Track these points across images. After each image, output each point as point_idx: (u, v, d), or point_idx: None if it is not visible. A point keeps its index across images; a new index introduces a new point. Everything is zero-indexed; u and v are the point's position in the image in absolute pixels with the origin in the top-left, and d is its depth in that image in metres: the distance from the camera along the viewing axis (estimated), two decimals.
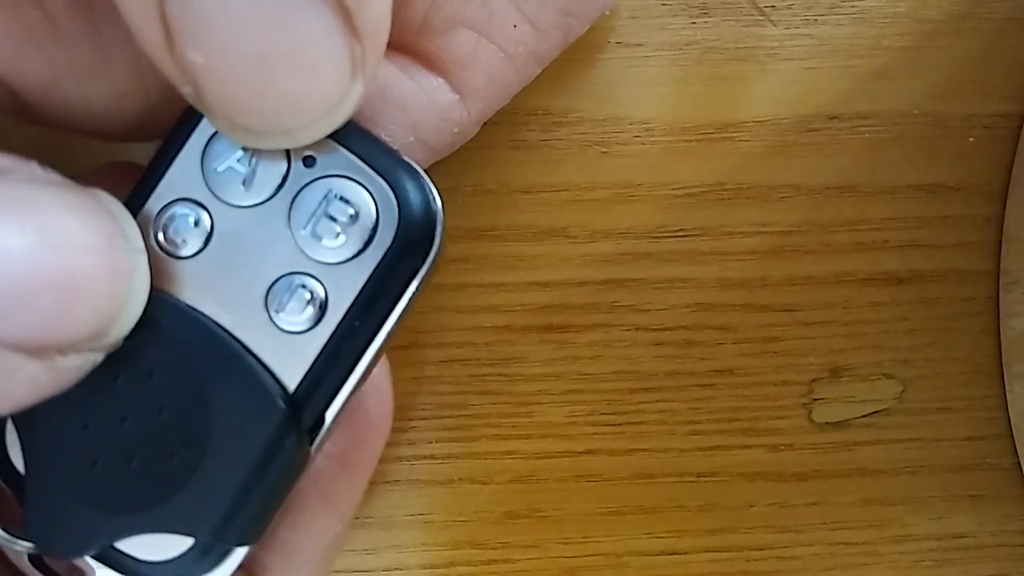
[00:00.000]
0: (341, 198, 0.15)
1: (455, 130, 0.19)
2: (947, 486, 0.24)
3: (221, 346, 0.14)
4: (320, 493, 0.18)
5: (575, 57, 0.22)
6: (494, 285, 0.23)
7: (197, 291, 0.14)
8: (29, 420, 0.15)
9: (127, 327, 0.13)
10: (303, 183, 0.15)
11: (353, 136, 0.15)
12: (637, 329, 0.23)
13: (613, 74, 0.23)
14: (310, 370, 0.15)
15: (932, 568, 0.24)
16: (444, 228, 0.15)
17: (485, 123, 0.20)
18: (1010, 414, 0.24)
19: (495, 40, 0.18)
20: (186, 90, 0.12)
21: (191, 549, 0.15)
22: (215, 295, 0.15)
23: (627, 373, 0.23)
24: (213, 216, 0.15)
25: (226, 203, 0.15)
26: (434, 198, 0.15)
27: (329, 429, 0.15)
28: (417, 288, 0.15)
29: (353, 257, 0.15)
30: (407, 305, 0.15)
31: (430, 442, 0.23)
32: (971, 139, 0.23)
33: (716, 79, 0.23)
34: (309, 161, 0.15)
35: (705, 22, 0.23)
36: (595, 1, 0.20)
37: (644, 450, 0.23)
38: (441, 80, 0.18)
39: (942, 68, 0.23)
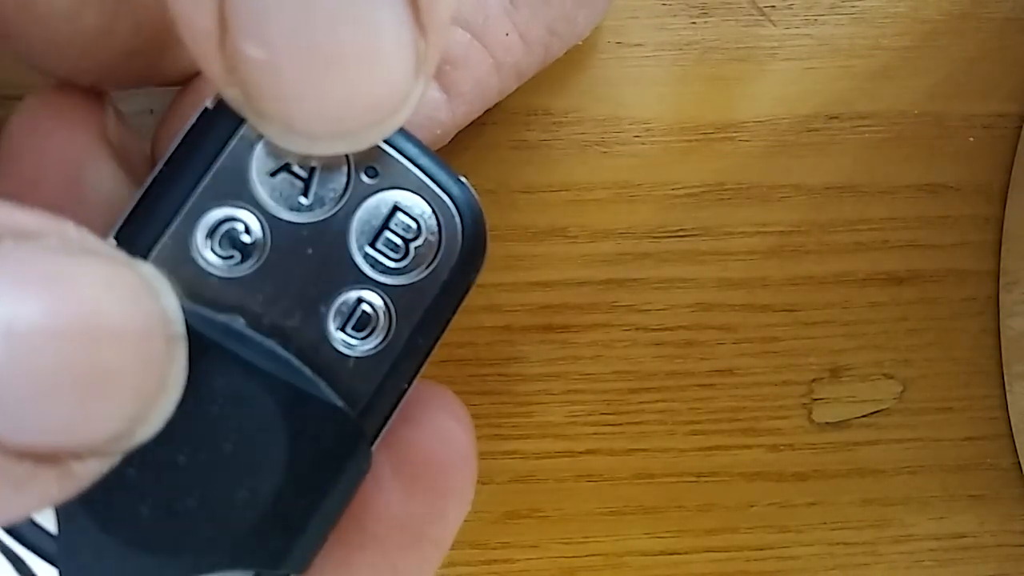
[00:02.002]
0: (406, 212, 0.14)
1: (438, 131, 0.18)
2: (947, 486, 0.24)
3: (285, 369, 0.13)
4: (391, 568, 0.16)
5: (575, 57, 0.22)
6: (494, 285, 0.23)
7: (254, 312, 0.13)
8: (72, 507, 0.13)
9: (156, 427, 0.11)
10: (365, 195, 0.14)
11: (406, 144, 0.14)
12: (637, 329, 0.23)
13: (613, 74, 0.23)
14: (376, 391, 0.14)
15: (932, 568, 0.24)
16: None
17: (485, 123, 0.20)
18: (1010, 414, 0.24)
19: (487, 45, 0.18)
20: (231, 92, 0.11)
21: None
22: (275, 316, 0.13)
23: (627, 373, 0.23)
24: (268, 230, 0.13)
25: (282, 215, 0.13)
26: (481, 210, 0.14)
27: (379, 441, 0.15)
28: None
29: (418, 274, 0.14)
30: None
31: None
32: (971, 139, 0.23)
33: (716, 79, 0.23)
34: (371, 172, 0.14)
35: (705, 22, 0.23)
36: (577, 25, 0.20)
37: (644, 450, 0.23)
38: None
39: (942, 68, 0.23)
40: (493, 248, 0.23)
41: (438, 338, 0.15)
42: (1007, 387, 0.24)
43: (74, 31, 0.13)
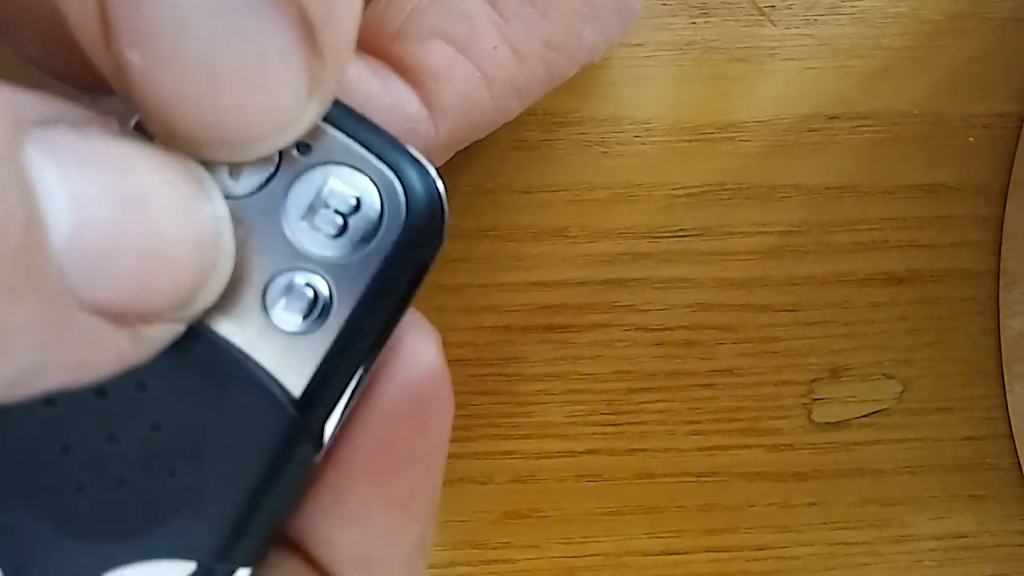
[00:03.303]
0: (341, 187, 0.13)
1: (419, 145, 0.18)
2: (947, 486, 0.24)
3: (219, 354, 0.13)
4: (385, 498, 0.16)
5: None
6: (494, 285, 0.23)
7: None
8: None
9: (213, 297, 0.12)
10: (298, 171, 0.13)
11: (349, 121, 0.13)
12: (637, 329, 0.23)
13: (613, 74, 0.23)
14: (317, 372, 0.14)
15: (932, 568, 0.24)
16: (449, 215, 0.14)
17: None
18: (1010, 414, 0.24)
19: (472, 58, 0.18)
20: (118, 87, 0.11)
21: (192, 575, 0.14)
22: None
23: (627, 373, 0.23)
24: None
25: None
26: (438, 184, 0.14)
27: (334, 435, 0.15)
28: (424, 279, 0.14)
29: (357, 250, 0.13)
30: (415, 296, 0.14)
31: None
32: (971, 139, 0.23)
33: (716, 79, 0.23)
34: (303, 148, 0.13)
35: (705, 22, 0.23)
36: (584, 41, 0.19)
37: (644, 450, 0.23)
38: (410, 90, 0.17)
39: (942, 68, 0.23)
40: (493, 248, 0.23)
41: (390, 318, 0.14)
42: (1007, 387, 0.24)
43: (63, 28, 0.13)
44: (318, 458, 0.14)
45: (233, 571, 0.14)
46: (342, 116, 0.13)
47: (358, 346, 0.14)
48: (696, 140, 0.23)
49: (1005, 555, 0.24)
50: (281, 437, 0.13)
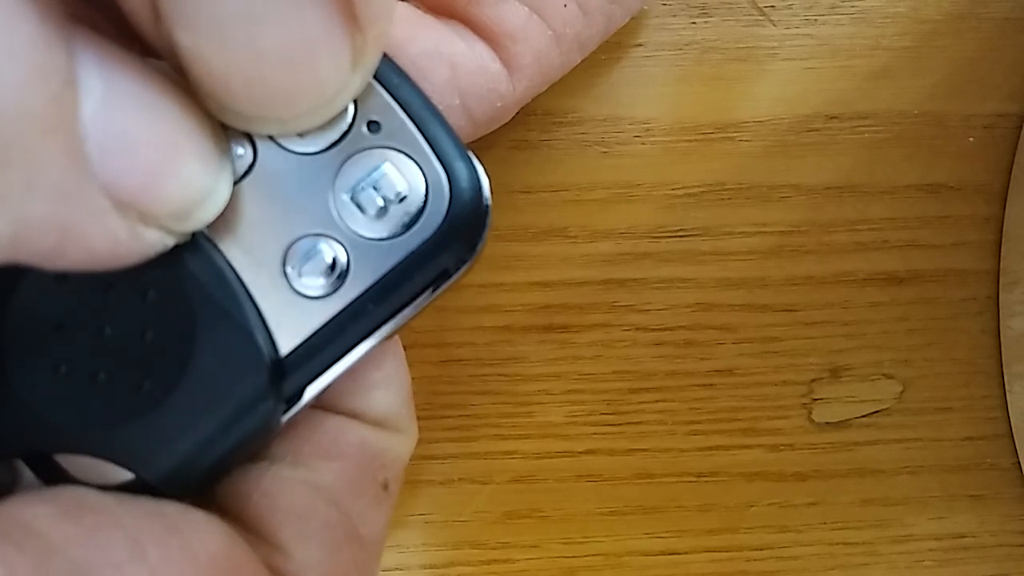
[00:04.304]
0: (394, 173, 0.14)
1: (499, 104, 0.18)
2: (947, 486, 0.24)
3: (225, 287, 0.13)
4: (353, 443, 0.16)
5: None
6: (494, 285, 0.23)
7: (218, 223, 0.13)
8: (2, 301, 0.13)
9: (208, 217, 0.13)
10: (360, 147, 0.14)
11: (420, 109, 0.14)
12: (637, 329, 0.23)
13: (613, 74, 0.23)
14: (308, 339, 0.14)
15: (932, 568, 0.24)
16: (488, 232, 0.14)
17: None
18: (1010, 414, 0.24)
19: (545, 17, 0.18)
20: (173, 65, 0.12)
21: (127, 484, 0.14)
22: (236, 233, 0.14)
23: (627, 373, 0.23)
24: (257, 150, 0.14)
25: (274, 141, 0.14)
26: (486, 201, 0.14)
27: (305, 406, 0.15)
28: (443, 289, 0.14)
29: (388, 237, 0.14)
30: (427, 302, 0.14)
31: (430, 442, 0.23)
32: (971, 139, 0.23)
33: (716, 79, 0.23)
34: (373, 126, 0.14)
35: (705, 22, 0.23)
36: None
37: (644, 450, 0.23)
38: (491, 50, 0.18)
39: (942, 68, 0.23)
40: (493, 248, 0.23)
41: (396, 311, 0.14)
42: (1007, 387, 0.24)
43: None
44: (284, 419, 0.14)
45: (165, 494, 0.14)
46: (418, 105, 0.14)
47: (357, 327, 0.14)
48: (696, 140, 0.23)
49: (1005, 555, 0.24)
50: (252, 387, 0.14)
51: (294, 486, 0.15)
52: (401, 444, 0.17)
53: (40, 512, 0.12)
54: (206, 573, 0.13)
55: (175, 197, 0.12)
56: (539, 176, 0.23)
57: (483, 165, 0.14)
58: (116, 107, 0.11)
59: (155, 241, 0.12)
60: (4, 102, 0.10)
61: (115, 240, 0.12)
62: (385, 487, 0.16)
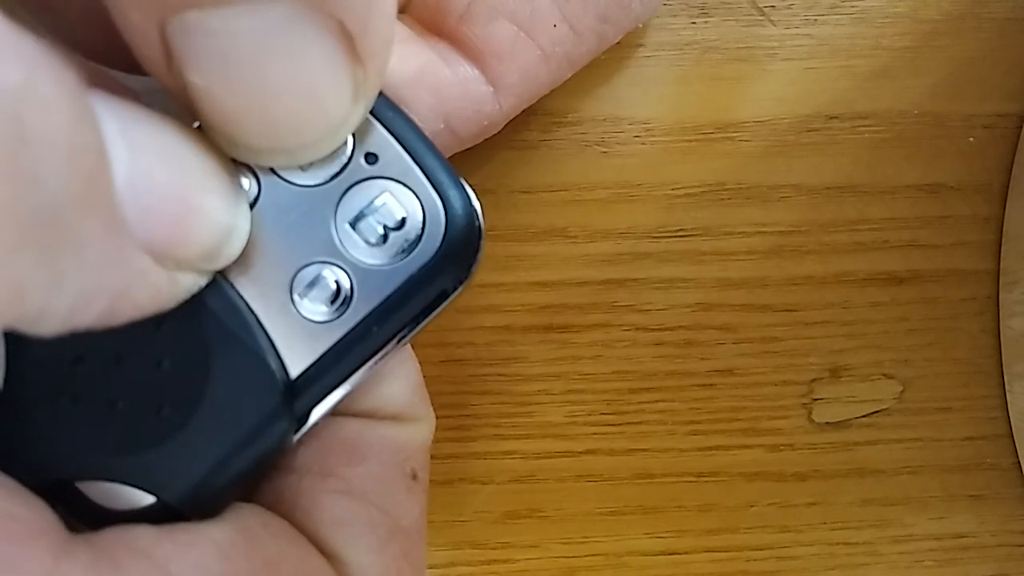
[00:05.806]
0: (393, 202, 0.15)
1: (485, 122, 0.19)
2: (947, 486, 0.24)
3: (236, 315, 0.14)
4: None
5: None
6: (494, 285, 0.23)
7: None
8: (22, 337, 0.14)
9: (235, 252, 0.14)
10: (359, 178, 0.15)
11: (414, 140, 0.15)
12: (637, 329, 0.23)
13: (613, 74, 0.23)
14: (317, 361, 0.15)
15: (932, 568, 0.24)
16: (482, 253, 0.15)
17: None
18: (1010, 414, 0.24)
19: (534, 37, 0.19)
20: (183, 103, 0.12)
21: (149, 508, 0.14)
22: (244, 263, 0.14)
23: (627, 373, 0.23)
24: (261, 183, 0.14)
25: (277, 175, 0.14)
26: (479, 226, 0.15)
27: (316, 423, 0.15)
28: (442, 308, 0.15)
29: (389, 262, 0.15)
30: (427, 321, 0.15)
31: None
32: (971, 139, 0.23)
33: (716, 79, 0.23)
34: (371, 158, 0.15)
35: (705, 22, 0.23)
36: (632, 11, 0.20)
37: (644, 450, 0.23)
38: (477, 71, 0.18)
39: (942, 68, 0.23)
40: (493, 248, 0.23)
41: (400, 331, 0.15)
42: (1007, 387, 0.24)
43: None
44: (295, 438, 0.15)
45: (185, 516, 0.14)
46: (409, 134, 0.15)
47: (363, 348, 0.15)
48: (696, 140, 0.23)
49: (1005, 555, 0.24)
50: (266, 409, 0.14)
51: (329, 497, 0.16)
52: (420, 432, 0.18)
53: (140, 532, 0.13)
54: None
55: (204, 237, 0.13)
56: (539, 176, 0.23)
57: (481, 171, 0.15)
58: (142, 166, 0.12)
59: (190, 284, 0.13)
60: (51, 190, 0.10)
61: (157, 291, 0.12)
62: (414, 476, 0.17)
